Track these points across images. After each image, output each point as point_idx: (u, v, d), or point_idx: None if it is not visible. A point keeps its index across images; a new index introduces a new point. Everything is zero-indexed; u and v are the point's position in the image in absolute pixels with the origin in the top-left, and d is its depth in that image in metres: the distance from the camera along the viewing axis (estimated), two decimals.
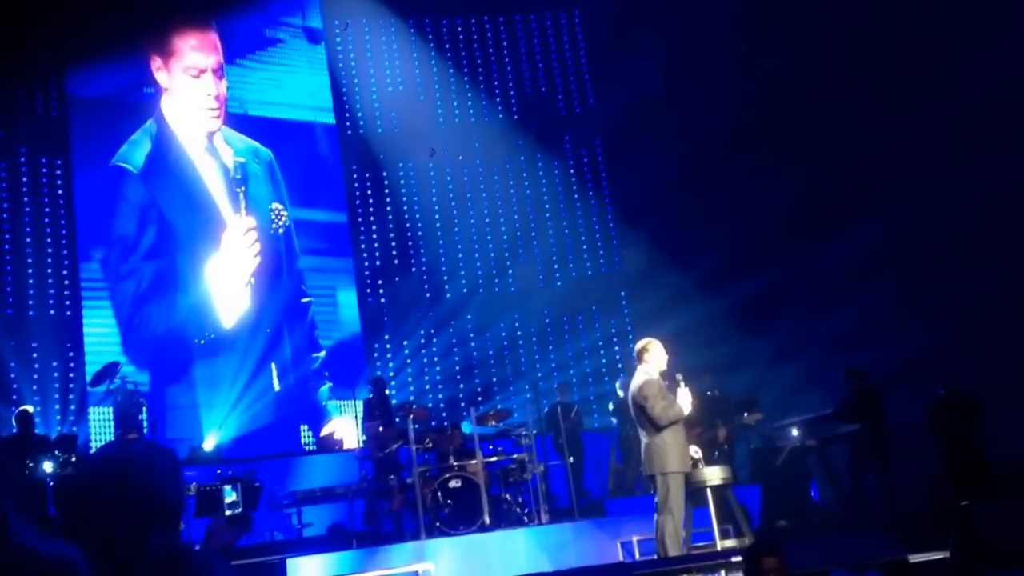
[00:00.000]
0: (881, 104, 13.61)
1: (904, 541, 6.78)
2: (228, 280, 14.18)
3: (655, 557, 8.00)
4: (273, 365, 14.27)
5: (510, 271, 16.85)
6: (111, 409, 12.21)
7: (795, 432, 11.48)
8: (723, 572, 7.16)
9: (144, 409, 11.94)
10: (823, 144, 13.87)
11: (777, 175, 14.20)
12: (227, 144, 14.71)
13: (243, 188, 14.34)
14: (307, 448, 13.74)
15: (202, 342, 13.86)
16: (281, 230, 14.74)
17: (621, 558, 9.22)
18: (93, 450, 11.88)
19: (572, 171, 17.52)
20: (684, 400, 8.08)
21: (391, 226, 16.55)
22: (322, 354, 14.75)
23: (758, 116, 14.54)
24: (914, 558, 6.93)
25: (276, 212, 14.74)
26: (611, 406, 12.80)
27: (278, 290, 14.57)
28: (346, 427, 13.70)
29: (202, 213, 14.32)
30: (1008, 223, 12.34)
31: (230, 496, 7.30)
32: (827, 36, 13.75)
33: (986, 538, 6.81)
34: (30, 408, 10.78)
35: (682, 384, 8.15)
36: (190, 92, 14.57)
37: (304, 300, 14.89)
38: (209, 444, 13.04)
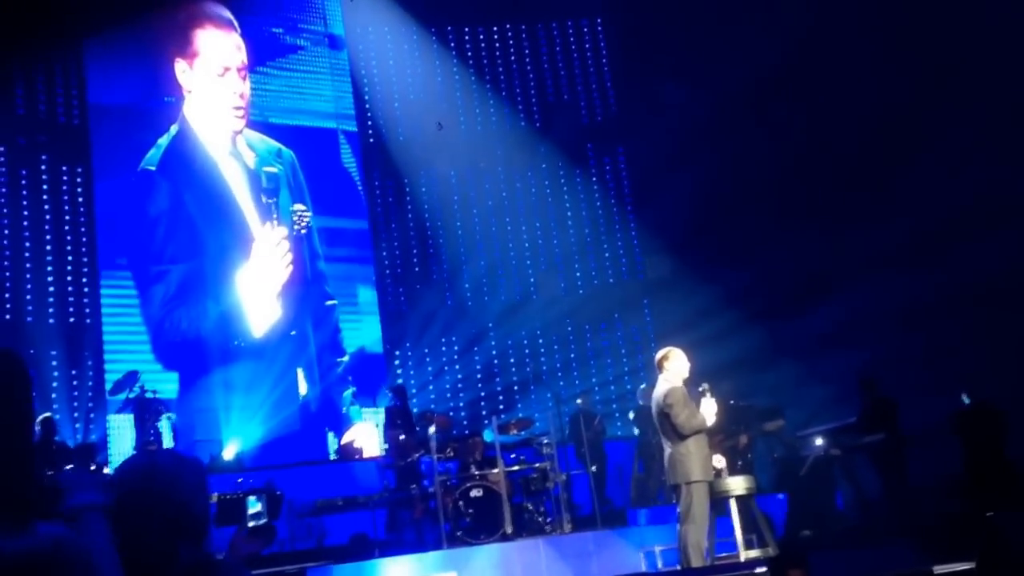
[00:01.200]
0: (912, 110, 13.47)
1: (928, 551, 6.71)
2: (259, 290, 14.19)
3: (678, 567, 7.95)
4: (299, 370, 14.28)
5: (532, 279, 16.84)
6: (130, 417, 12.26)
7: (819, 441, 11.39)
8: None
9: (164, 417, 12.02)
10: (850, 162, 13.77)
11: (804, 190, 14.12)
12: (250, 148, 14.75)
13: (275, 199, 14.34)
14: (338, 455, 13.73)
15: (239, 344, 13.90)
16: (304, 231, 14.77)
17: (644, 568, 9.16)
18: (111, 459, 11.93)
19: (595, 179, 17.50)
20: (708, 411, 8.04)
21: (412, 233, 16.59)
22: (346, 358, 14.77)
23: (788, 130, 14.47)
24: (939, 569, 6.86)
25: (299, 213, 14.77)
26: (631, 414, 12.76)
27: (302, 292, 14.58)
28: (367, 435, 13.69)
29: (228, 215, 14.34)
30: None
31: (254, 507, 7.23)
32: (865, 42, 13.60)
33: (1013, 549, 6.74)
34: (51, 415, 10.84)
35: (708, 395, 8.10)
36: (215, 91, 14.58)
37: (328, 303, 14.91)
38: (230, 451, 13.06)
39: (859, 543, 9.73)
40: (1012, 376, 11.42)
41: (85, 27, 14.10)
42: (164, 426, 11.98)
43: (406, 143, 16.61)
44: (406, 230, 16.58)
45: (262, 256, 14.24)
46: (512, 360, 16.32)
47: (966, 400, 10.79)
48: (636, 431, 12.50)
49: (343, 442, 13.82)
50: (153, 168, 14.08)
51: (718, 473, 8.24)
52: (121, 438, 12.63)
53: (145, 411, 11.83)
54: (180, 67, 14.51)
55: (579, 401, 12.86)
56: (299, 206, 14.83)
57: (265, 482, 9.69)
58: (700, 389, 8.17)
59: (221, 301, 14.03)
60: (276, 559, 9.52)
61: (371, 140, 16.58)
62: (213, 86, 14.57)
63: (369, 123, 16.63)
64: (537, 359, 16.42)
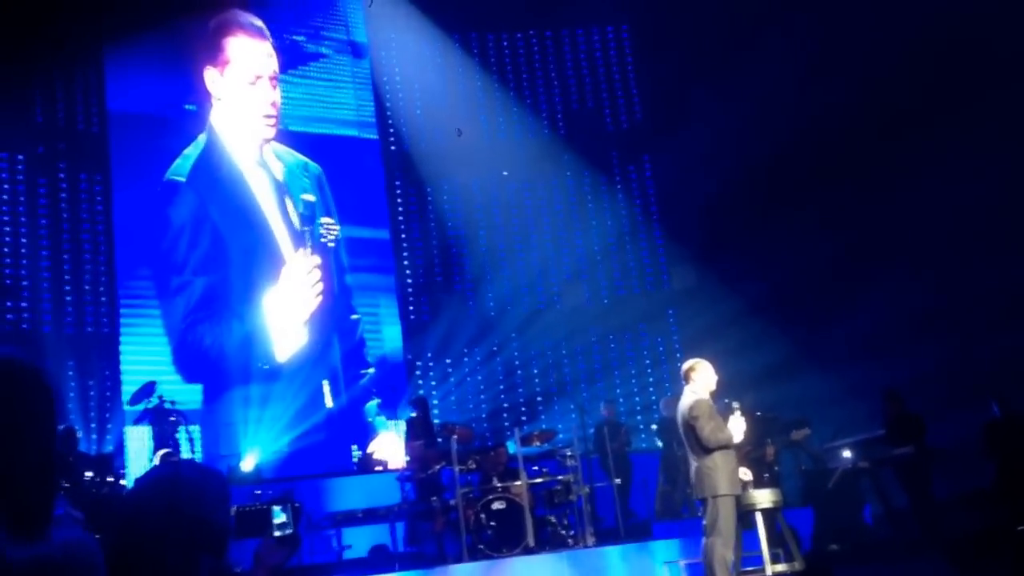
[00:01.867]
0: (938, 112, 13.29)
1: (958, 566, 6.56)
2: (287, 315, 14.04)
3: None
4: (325, 383, 14.21)
5: (555, 288, 16.73)
6: (148, 428, 12.22)
7: (847, 454, 11.23)
8: None
9: (182, 428, 11.96)
10: (876, 172, 13.62)
11: (830, 199, 13.96)
12: (277, 159, 14.65)
13: (310, 228, 14.22)
14: (356, 467, 13.64)
15: (265, 367, 13.81)
16: (332, 244, 14.71)
17: None
18: (127, 471, 11.88)
19: (619, 187, 17.37)
20: (736, 427, 7.92)
21: (435, 243, 16.50)
22: (371, 371, 14.69)
23: (814, 139, 14.31)
24: None
25: (326, 226, 14.72)
26: (655, 426, 12.63)
27: (329, 306, 14.50)
28: (390, 446, 13.61)
29: (255, 229, 14.22)
30: None
31: (279, 517, 7.17)
32: (899, 66, 13.44)
33: None
34: (73, 427, 10.80)
35: (737, 412, 7.99)
36: (246, 99, 14.42)
37: (353, 317, 14.84)
38: (249, 463, 12.99)
39: (887, 558, 9.57)
40: None
41: (106, 34, 14.09)
42: (182, 438, 11.93)
43: (428, 152, 16.54)
44: (428, 239, 16.50)
45: (293, 282, 14.10)
46: (535, 371, 16.20)
47: (996, 411, 10.64)
48: (660, 443, 12.37)
49: (365, 453, 13.75)
50: (183, 179, 13.95)
51: (744, 486, 8.12)
52: (138, 449, 12.58)
53: (163, 423, 11.77)
54: (210, 75, 14.36)
55: (604, 411, 12.72)
56: (327, 219, 14.77)
57: (283, 493, 9.64)
58: (730, 404, 8.06)
59: (246, 321, 13.89)
60: (295, 572, 9.46)
61: (393, 148, 16.50)
62: (244, 94, 14.44)
63: (391, 131, 16.56)
64: (560, 369, 16.29)
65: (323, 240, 14.57)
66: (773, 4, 14.61)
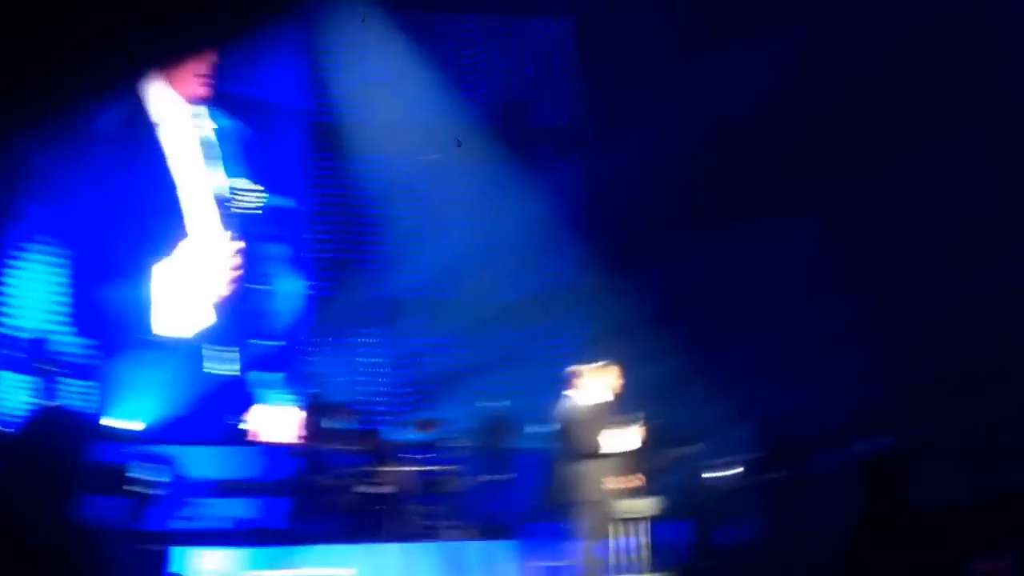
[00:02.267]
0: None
1: None
2: (194, 294, 13.68)
3: None
4: (217, 349, 13.95)
5: (466, 278, 16.59)
6: (23, 377, 11.85)
7: (725, 472, 11.42)
8: None
9: (62, 380, 11.65)
10: (803, 191, 13.71)
11: (758, 213, 14.07)
12: (203, 118, 14.30)
13: (231, 201, 13.90)
14: (236, 438, 13.40)
15: (158, 337, 13.45)
16: (246, 210, 14.43)
17: None
18: None
19: (547, 184, 17.28)
20: (623, 438, 8.00)
21: (350, 219, 16.25)
22: (268, 343, 14.48)
23: (744, 149, 14.42)
24: None
25: (242, 190, 14.44)
26: (545, 427, 12.63)
27: (236, 268, 14.19)
28: (275, 420, 13.41)
29: (171, 187, 13.90)
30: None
31: (135, 473, 7.05)
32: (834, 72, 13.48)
33: None
34: None
35: (631, 424, 8.07)
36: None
37: (256, 286, 14.58)
38: (130, 423, 12.69)
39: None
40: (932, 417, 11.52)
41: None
42: (61, 389, 11.62)
43: (357, 126, 16.28)
44: (344, 215, 16.24)
45: (208, 262, 13.75)
46: (433, 359, 16.08)
47: (879, 445, 10.92)
48: (549, 444, 12.36)
49: (252, 426, 13.51)
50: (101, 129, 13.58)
51: (620, 494, 8.20)
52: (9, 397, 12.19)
53: (41, 372, 11.45)
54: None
55: (495, 407, 12.70)
56: (243, 182, 14.50)
57: (159, 456, 9.47)
58: (631, 415, 8.12)
59: (144, 287, 13.53)
60: (165, 537, 9.28)
61: (320, 118, 16.22)
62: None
63: (319, 101, 16.28)
64: (459, 360, 16.18)
65: (238, 205, 14.30)
66: (729, 17, 14.65)
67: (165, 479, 8.94)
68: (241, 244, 13.87)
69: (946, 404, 11.64)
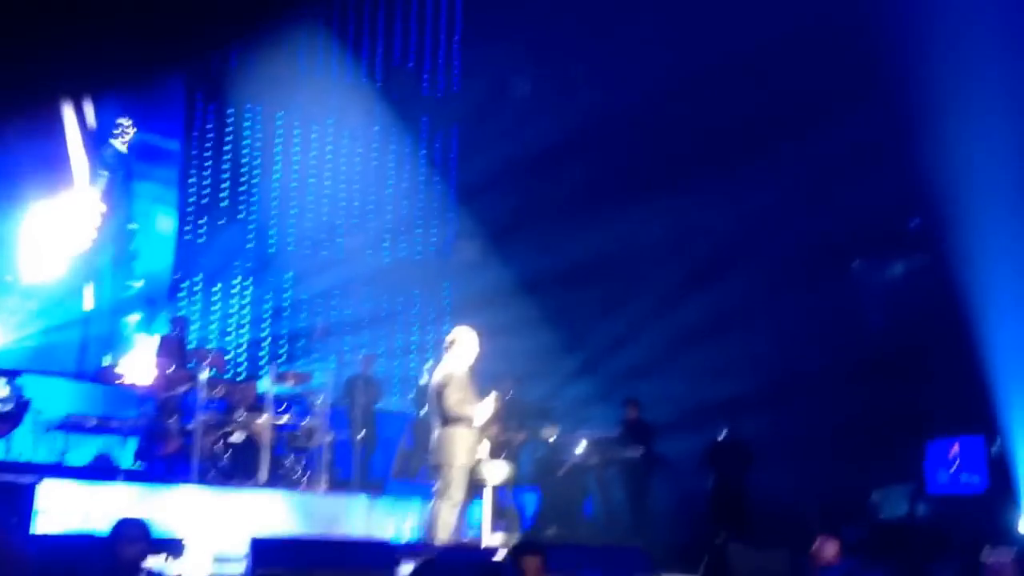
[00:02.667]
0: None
1: (659, 562, 7.10)
2: (51, 246, 13.20)
3: (423, 541, 8.08)
4: (88, 285, 13.55)
5: (341, 238, 16.57)
6: None
7: (581, 447, 11.79)
8: None
9: None
10: (679, 160, 14.11)
11: (626, 190, 14.46)
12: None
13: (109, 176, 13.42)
14: (98, 375, 13.06)
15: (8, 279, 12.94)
16: (124, 147, 14.03)
17: (390, 537, 9.24)
18: None
19: (424, 152, 17.38)
20: (485, 408, 8.20)
21: (226, 166, 15.99)
22: (140, 283, 14.16)
23: (617, 128, 14.78)
24: None
25: (122, 127, 14.04)
26: (414, 390, 12.79)
27: (108, 210, 13.79)
28: (140, 361, 13.14)
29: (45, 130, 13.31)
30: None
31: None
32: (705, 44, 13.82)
33: (732, 572, 7.24)
34: None
35: (493, 396, 8.26)
36: None
37: (131, 226, 14.23)
38: None
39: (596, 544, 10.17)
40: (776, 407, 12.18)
41: None
42: None
43: (238, 72, 15.98)
44: (220, 160, 15.97)
45: (74, 215, 13.22)
46: (303, 313, 16.03)
47: (724, 433, 11.56)
48: (415, 406, 12.52)
49: (111, 364, 13.19)
50: None
51: (479, 460, 8.41)
52: None
53: None
54: None
55: (361, 365, 12.76)
56: (124, 120, 14.08)
57: (14, 382, 9.23)
58: (501, 385, 8.31)
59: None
60: (12, 467, 9.05)
61: (201, 62, 15.84)
62: None
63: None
64: (328, 316, 16.18)
65: (116, 141, 13.90)
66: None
67: (21, 408, 8.72)
68: (104, 208, 13.48)
69: (791, 401, 12.37)
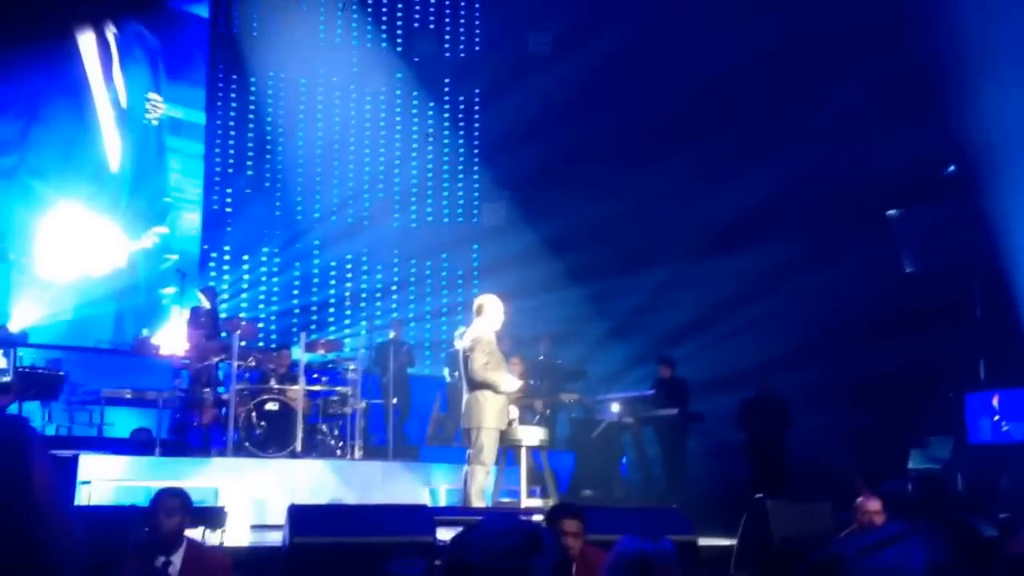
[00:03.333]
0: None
1: (696, 522, 7.03)
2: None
3: (459, 505, 8.07)
4: (127, 259, 13.65)
5: (367, 203, 16.52)
6: None
7: (615, 408, 11.74)
8: None
9: None
10: (709, 113, 13.91)
11: (653, 147, 14.25)
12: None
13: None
14: (133, 347, 13.15)
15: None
16: (156, 122, 14.07)
17: (426, 502, 9.24)
18: None
19: (447, 115, 17.23)
20: (517, 368, 8.17)
21: (251, 135, 15.95)
22: (176, 257, 14.26)
23: (644, 82, 14.55)
24: (703, 540, 7.21)
25: (153, 103, 14.06)
26: (444, 355, 12.78)
27: (143, 187, 13.86)
28: (171, 332, 13.21)
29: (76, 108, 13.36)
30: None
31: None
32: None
33: (773, 531, 7.16)
34: None
35: (518, 365, 8.23)
36: None
37: (166, 199, 14.29)
38: (16, 323, 12.30)
39: (634, 505, 10.13)
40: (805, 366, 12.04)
41: None
42: None
43: (260, 40, 15.90)
44: (244, 130, 15.92)
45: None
46: (333, 280, 16.03)
47: (757, 390, 11.44)
48: (446, 371, 12.51)
49: (146, 336, 13.28)
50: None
51: (511, 423, 8.36)
52: None
53: None
54: None
55: (391, 333, 12.75)
56: (154, 96, 14.08)
57: (47, 361, 9.27)
58: (512, 360, 8.26)
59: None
60: (53, 441, 9.14)
61: (222, 30, 15.79)
62: None
63: (223, 12, 15.80)
64: (358, 283, 16.17)
65: (147, 117, 13.94)
66: None
67: (56, 383, 8.77)
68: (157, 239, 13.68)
69: (829, 355, 12.21)
